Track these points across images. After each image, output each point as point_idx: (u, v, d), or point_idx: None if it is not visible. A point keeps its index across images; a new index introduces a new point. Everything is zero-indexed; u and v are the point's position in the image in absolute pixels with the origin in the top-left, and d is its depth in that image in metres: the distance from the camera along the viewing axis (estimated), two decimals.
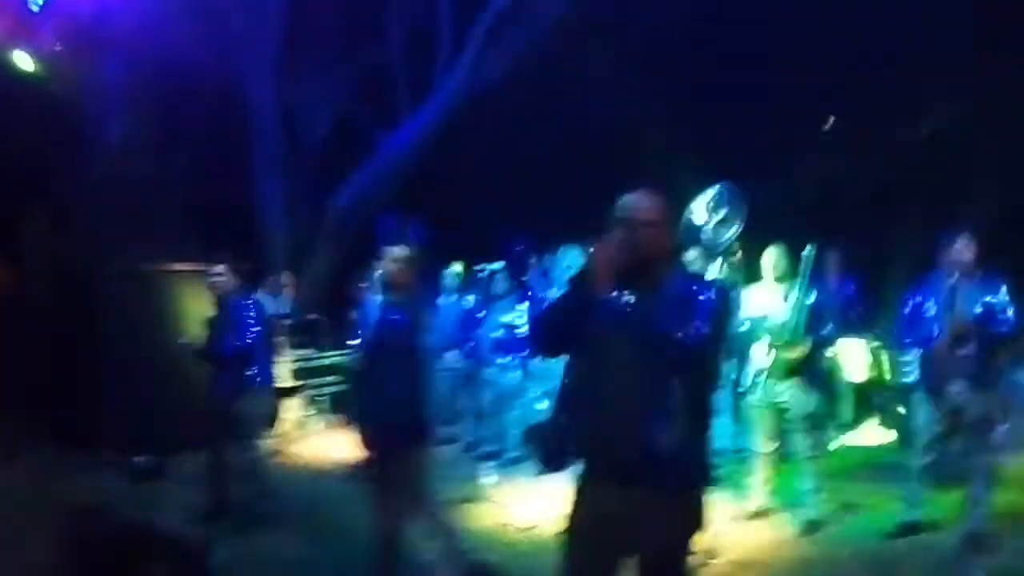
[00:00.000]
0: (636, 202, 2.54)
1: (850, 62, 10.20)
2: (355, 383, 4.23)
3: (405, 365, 3.91)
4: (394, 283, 4.04)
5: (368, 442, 3.97)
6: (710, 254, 4.68)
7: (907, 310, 4.66)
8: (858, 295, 7.64)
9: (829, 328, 4.96)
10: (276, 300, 8.40)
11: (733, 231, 4.53)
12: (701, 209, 4.42)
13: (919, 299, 4.62)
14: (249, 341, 5.14)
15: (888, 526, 4.73)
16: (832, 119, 12.06)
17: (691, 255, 4.85)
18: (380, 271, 4.12)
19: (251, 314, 5.27)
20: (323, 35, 10.34)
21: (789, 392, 4.86)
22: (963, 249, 4.47)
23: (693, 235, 4.54)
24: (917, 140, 10.42)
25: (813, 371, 4.97)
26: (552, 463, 2.68)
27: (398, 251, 4.09)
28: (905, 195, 10.61)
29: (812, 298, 4.88)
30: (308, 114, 10.64)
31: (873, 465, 6.12)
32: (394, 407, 3.87)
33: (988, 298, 4.43)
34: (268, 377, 5.61)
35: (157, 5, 7.80)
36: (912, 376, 4.72)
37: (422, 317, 4.10)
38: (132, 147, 7.60)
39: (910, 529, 4.63)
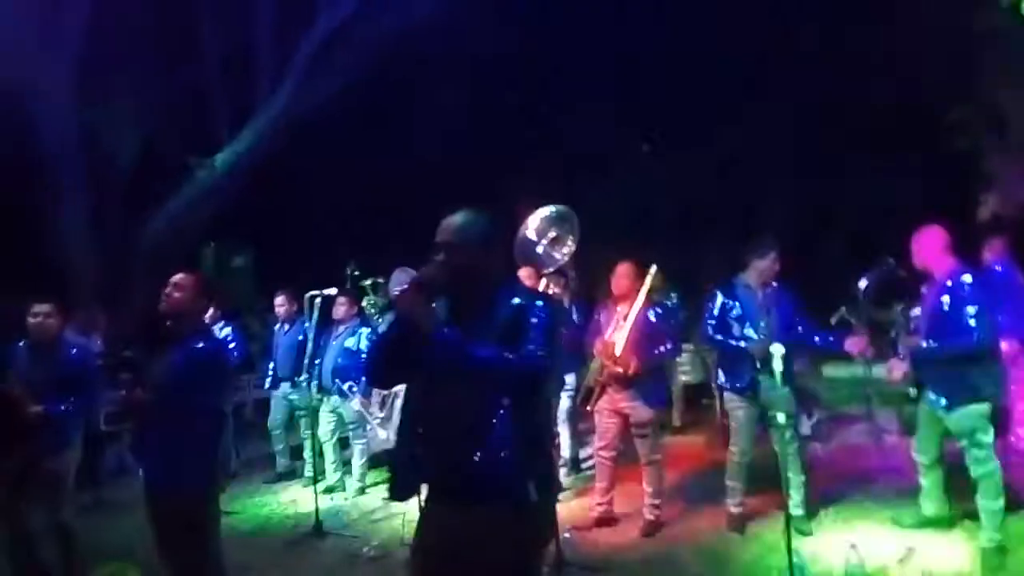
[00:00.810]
0: (452, 223, 2.54)
1: (660, 89, 10.96)
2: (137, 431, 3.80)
3: (183, 410, 3.49)
4: (172, 315, 3.58)
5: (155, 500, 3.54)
6: (546, 272, 4.80)
7: (715, 317, 4.96)
8: (680, 305, 8.15)
9: (664, 348, 5.13)
10: (87, 339, 7.69)
11: (567, 250, 4.68)
12: (534, 228, 4.54)
13: (725, 306, 4.94)
14: (83, 392, 4.55)
15: (721, 521, 5.05)
16: (646, 145, 12.86)
17: (524, 273, 4.93)
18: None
19: (84, 359, 4.72)
20: (135, 52, 9.66)
21: (631, 401, 5.05)
22: (774, 262, 4.88)
23: (528, 253, 4.64)
24: (715, 163, 11.34)
25: (653, 379, 5.14)
26: (400, 492, 2.64)
27: (177, 278, 3.62)
28: (711, 212, 11.52)
29: (655, 312, 5.09)
30: (115, 138, 9.87)
31: (706, 463, 6.49)
32: (174, 459, 3.48)
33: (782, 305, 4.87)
34: (90, 425, 5.06)
35: None
36: (723, 378, 5.07)
37: (208, 352, 3.63)
38: None
39: (740, 521, 4.96)
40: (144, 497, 3.57)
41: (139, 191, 10.08)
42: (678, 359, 7.67)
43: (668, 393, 7.95)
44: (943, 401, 4.27)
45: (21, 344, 4.64)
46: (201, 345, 3.59)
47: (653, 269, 5.05)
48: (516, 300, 2.53)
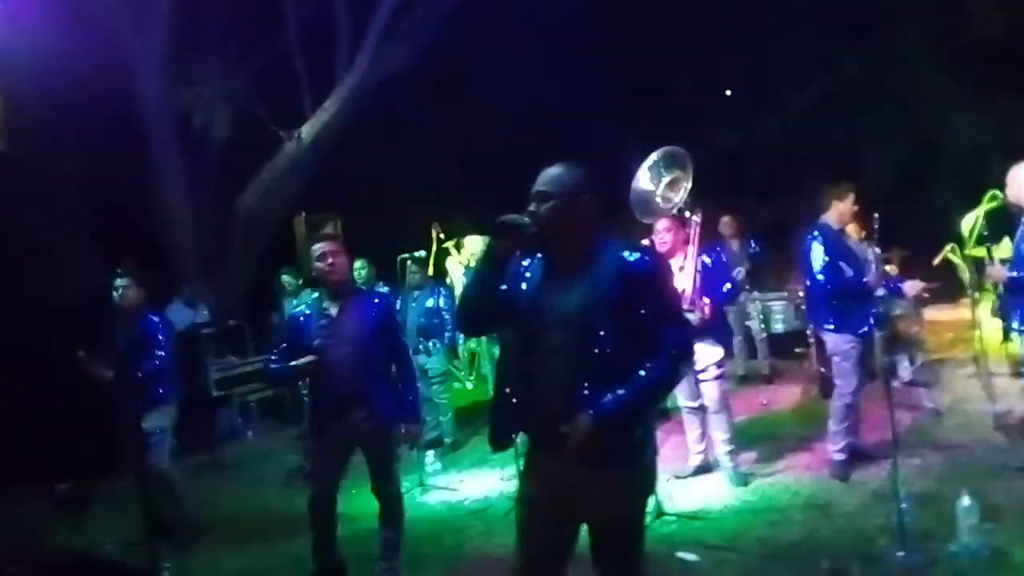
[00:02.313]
0: (549, 174, 2.52)
1: (741, 31, 10.57)
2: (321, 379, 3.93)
3: (385, 352, 3.94)
4: (339, 280, 3.93)
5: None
6: (667, 215, 4.69)
7: (824, 260, 4.77)
8: (765, 254, 7.97)
9: (727, 288, 5.01)
10: (194, 309, 8.11)
11: (684, 189, 4.60)
12: (646, 176, 4.46)
13: (830, 248, 4.76)
14: (159, 358, 4.89)
15: (822, 470, 4.96)
16: (728, 92, 12.46)
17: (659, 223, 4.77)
18: (316, 267, 3.92)
19: (159, 328, 5.02)
20: (218, 32, 9.97)
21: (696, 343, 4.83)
22: (853, 203, 4.86)
23: (646, 204, 4.58)
24: (807, 104, 10.90)
25: (717, 328, 4.99)
26: (499, 441, 2.68)
27: (328, 248, 3.94)
28: (800, 157, 11.12)
29: (705, 260, 4.87)
30: (207, 115, 10.23)
31: (803, 412, 6.38)
32: (387, 393, 3.92)
33: None
34: (184, 390, 5.37)
35: (39, 9, 7.36)
36: (834, 322, 4.92)
37: (386, 300, 4.26)
38: (16, 157, 7.15)
39: (843, 468, 4.86)
40: (356, 431, 3.85)
41: (232, 165, 10.44)
42: (773, 307, 7.55)
43: (751, 342, 7.85)
44: (1018, 326, 4.34)
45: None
46: (375, 296, 4.25)
47: (697, 217, 4.85)
48: (622, 254, 2.47)
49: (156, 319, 5.10)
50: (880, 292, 4.68)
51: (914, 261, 6.85)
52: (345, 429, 3.85)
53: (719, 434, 5.01)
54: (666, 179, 4.56)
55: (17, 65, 6.99)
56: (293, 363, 3.82)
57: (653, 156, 4.59)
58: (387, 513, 4.02)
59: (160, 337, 4.99)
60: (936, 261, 6.36)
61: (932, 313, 7.72)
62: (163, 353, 4.94)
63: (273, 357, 4.08)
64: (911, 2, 9.73)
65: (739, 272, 7.74)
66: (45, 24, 7.10)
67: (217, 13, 9.95)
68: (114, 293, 4.94)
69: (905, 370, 6.84)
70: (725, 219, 8.07)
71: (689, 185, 4.57)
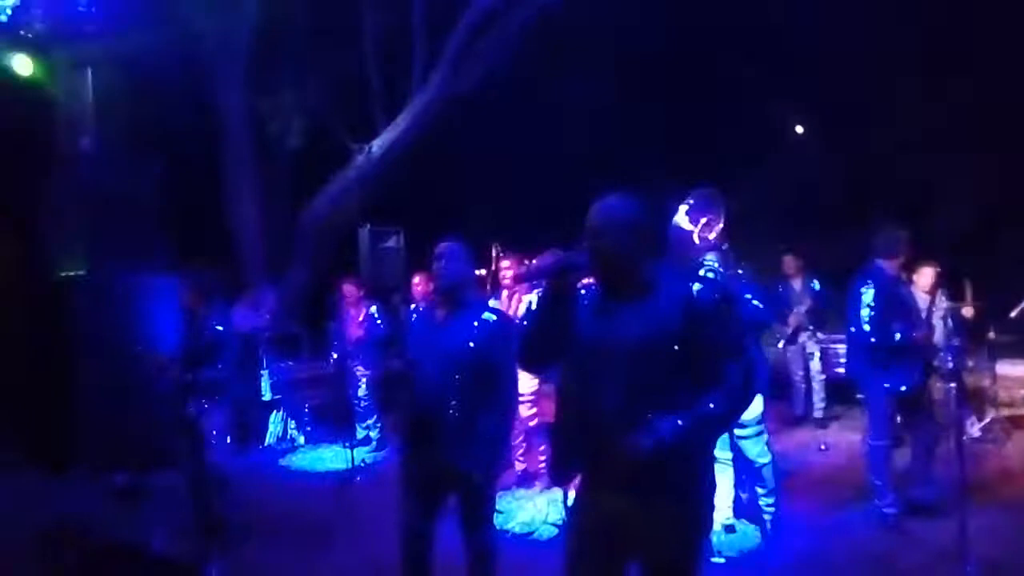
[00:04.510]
0: (600, 208, 2.48)
1: (822, 69, 10.41)
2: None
3: (492, 375, 3.34)
4: (449, 286, 3.40)
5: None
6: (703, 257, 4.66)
7: (873, 310, 4.68)
8: (824, 294, 7.80)
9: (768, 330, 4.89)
10: (255, 313, 8.28)
11: (719, 227, 4.57)
12: (684, 216, 4.46)
13: (883, 298, 4.67)
14: (219, 371, 4.92)
15: (874, 519, 4.79)
16: (800, 128, 12.26)
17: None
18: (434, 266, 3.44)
19: (226, 341, 5.03)
20: (297, 45, 10.25)
21: None
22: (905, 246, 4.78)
23: (685, 245, 4.56)
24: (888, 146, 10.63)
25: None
26: (559, 477, 2.63)
27: (444, 249, 3.42)
28: (870, 196, 10.84)
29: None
30: (282, 125, 10.51)
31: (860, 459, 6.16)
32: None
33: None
34: (243, 391, 5.38)
35: (127, 14, 7.67)
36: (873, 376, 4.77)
37: (505, 317, 3.61)
38: (101, 157, 7.44)
39: (897, 522, 4.69)
40: (439, 465, 3.34)
41: (303, 175, 10.67)
42: (836, 350, 7.36)
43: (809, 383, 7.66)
44: None
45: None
46: (491, 312, 3.49)
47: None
48: (687, 284, 2.44)
49: (223, 330, 5.12)
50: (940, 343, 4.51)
51: (990, 312, 6.59)
52: (429, 460, 3.34)
53: (760, 488, 4.73)
54: (702, 220, 4.54)
55: (106, 70, 7.33)
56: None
57: (690, 198, 4.59)
58: (473, 569, 3.40)
59: (225, 350, 5.02)
60: (1014, 314, 6.12)
61: (1006, 368, 7.39)
62: (223, 368, 4.98)
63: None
64: (1001, 48, 9.40)
65: (799, 311, 7.67)
66: (133, 32, 7.43)
67: (298, 26, 10.23)
68: (184, 293, 4.99)
69: (972, 426, 6.58)
70: (787, 258, 8.09)
71: (721, 225, 4.54)
